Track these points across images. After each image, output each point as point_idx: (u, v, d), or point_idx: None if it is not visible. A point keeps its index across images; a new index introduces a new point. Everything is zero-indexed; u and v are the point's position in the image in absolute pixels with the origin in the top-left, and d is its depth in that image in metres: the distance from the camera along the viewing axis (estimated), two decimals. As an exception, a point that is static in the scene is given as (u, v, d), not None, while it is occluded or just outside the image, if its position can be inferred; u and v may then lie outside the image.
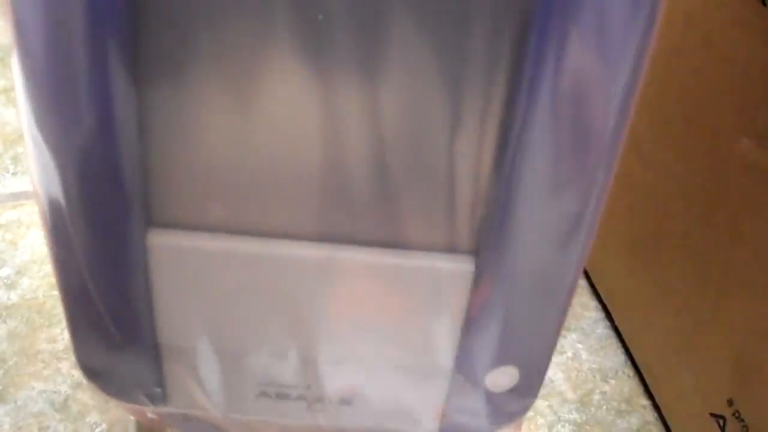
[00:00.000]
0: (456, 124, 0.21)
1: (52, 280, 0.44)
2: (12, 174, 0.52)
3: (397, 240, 0.23)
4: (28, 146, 0.21)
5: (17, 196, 0.50)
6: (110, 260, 0.23)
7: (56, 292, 0.44)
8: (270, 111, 0.20)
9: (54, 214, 0.22)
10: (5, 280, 0.45)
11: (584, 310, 0.47)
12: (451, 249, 0.23)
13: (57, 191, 0.21)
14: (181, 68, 0.20)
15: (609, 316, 0.46)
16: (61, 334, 0.42)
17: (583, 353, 0.45)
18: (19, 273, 0.45)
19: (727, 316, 0.35)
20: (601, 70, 0.19)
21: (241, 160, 0.21)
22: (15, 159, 0.53)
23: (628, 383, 0.44)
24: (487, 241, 0.22)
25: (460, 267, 0.23)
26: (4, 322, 0.43)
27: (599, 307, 0.47)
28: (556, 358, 0.44)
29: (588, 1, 0.18)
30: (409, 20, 0.19)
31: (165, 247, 0.22)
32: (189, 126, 0.20)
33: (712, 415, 0.36)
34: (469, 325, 0.24)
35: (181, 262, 0.23)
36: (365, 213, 0.22)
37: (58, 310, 0.43)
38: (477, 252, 0.23)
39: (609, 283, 0.46)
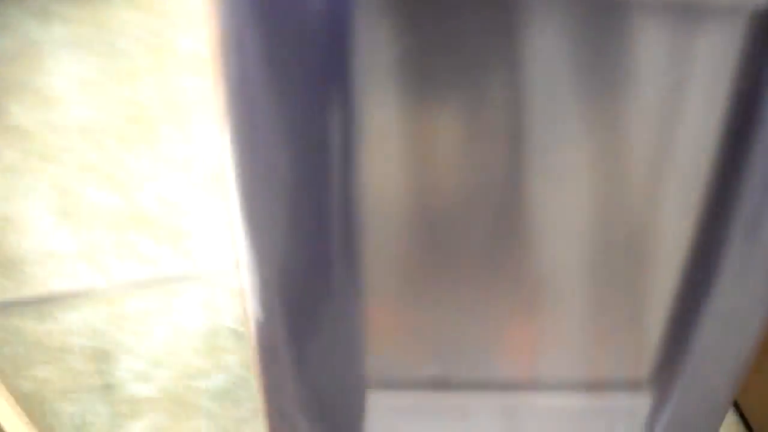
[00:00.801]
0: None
1: (190, 371, 0.43)
2: (130, 260, 0.52)
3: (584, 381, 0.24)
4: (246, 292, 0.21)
5: (139, 284, 0.50)
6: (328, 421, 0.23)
7: (194, 383, 0.42)
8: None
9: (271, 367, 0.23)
10: (141, 373, 0.44)
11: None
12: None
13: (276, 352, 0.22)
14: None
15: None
16: (206, 426, 0.41)
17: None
18: (156, 365, 0.44)
19: None
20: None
21: (449, 316, 0.22)
22: (123, 245, 0.53)
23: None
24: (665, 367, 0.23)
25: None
26: (146, 415, 0.42)
27: None
28: None
29: None
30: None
31: (380, 407, 0.23)
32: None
33: None
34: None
35: (394, 421, 0.24)
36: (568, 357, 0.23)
37: (198, 401, 0.42)
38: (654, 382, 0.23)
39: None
